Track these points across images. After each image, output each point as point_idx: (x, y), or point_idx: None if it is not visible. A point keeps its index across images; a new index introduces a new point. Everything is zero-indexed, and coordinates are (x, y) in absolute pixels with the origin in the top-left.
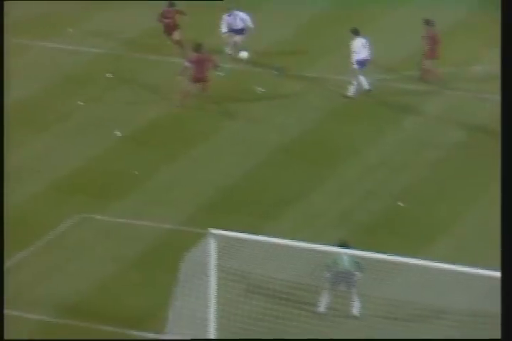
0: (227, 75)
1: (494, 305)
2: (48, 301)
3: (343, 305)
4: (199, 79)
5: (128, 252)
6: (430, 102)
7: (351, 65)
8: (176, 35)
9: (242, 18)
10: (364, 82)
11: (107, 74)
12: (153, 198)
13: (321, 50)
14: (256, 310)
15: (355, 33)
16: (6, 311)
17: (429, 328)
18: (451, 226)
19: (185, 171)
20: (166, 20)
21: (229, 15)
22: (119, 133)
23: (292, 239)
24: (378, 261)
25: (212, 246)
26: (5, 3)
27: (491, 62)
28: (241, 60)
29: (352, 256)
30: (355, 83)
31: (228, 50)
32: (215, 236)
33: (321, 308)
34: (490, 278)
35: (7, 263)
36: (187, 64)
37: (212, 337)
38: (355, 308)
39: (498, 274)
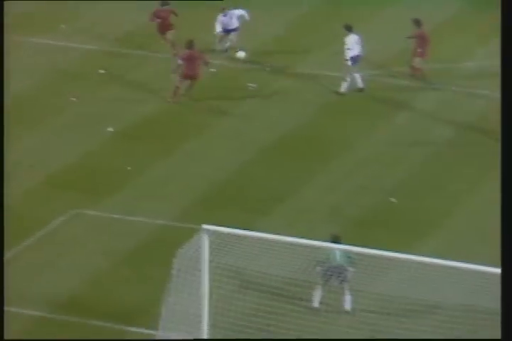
0: (219, 71)
1: (486, 300)
2: (41, 297)
3: (335, 300)
4: (190, 75)
5: (121, 248)
6: (422, 98)
7: (345, 61)
8: (170, 35)
9: (238, 15)
10: (359, 80)
11: (100, 71)
12: (145, 193)
13: (313, 46)
14: (249, 306)
15: (349, 29)
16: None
17: (422, 323)
18: (443, 221)
19: (177, 167)
20: (159, 20)
21: (224, 15)
22: (111, 129)
23: (285, 234)
24: (371, 256)
25: (205, 241)
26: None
27: (483, 59)
28: (238, 60)
29: (344, 251)
30: (348, 79)
31: (219, 46)
32: (208, 231)
33: (315, 303)
34: (482, 272)
35: None
36: (179, 61)
37: (205, 332)
38: (347, 303)
39: (489, 269)
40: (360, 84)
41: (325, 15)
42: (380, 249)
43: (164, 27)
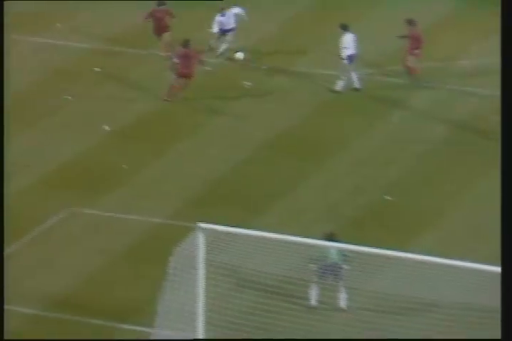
0: (215, 70)
1: (482, 298)
2: (37, 295)
3: (331, 298)
4: (185, 74)
5: (116, 246)
6: (417, 97)
7: (341, 60)
8: (166, 36)
9: (235, 14)
10: (355, 79)
11: (96, 69)
12: (141, 192)
13: (309, 45)
14: (245, 304)
15: (345, 28)
16: None
17: (417, 321)
18: (438, 219)
19: (173, 165)
20: (156, 21)
21: (222, 16)
22: (107, 128)
23: (280, 232)
24: (366, 254)
25: (200, 239)
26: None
27: (478, 57)
28: (236, 61)
29: (340, 249)
30: (343, 78)
31: (214, 44)
32: (204, 230)
33: (313, 302)
34: (477, 270)
35: None
36: (175, 59)
37: (201, 331)
38: (343, 301)
39: (485, 267)
40: (356, 84)
41: (319, 15)
42: (376, 247)
43: (160, 28)
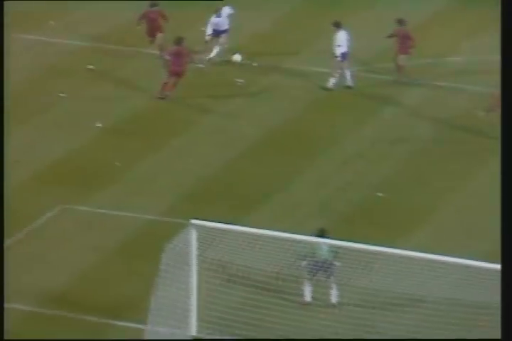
0: (207, 67)
1: (471, 294)
2: (30, 291)
3: (322, 294)
4: (176, 72)
5: (109, 243)
6: (408, 94)
7: (335, 57)
8: (159, 38)
9: (228, 14)
10: (348, 77)
11: (89, 66)
12: (134, 189)
13: (300, 42)
14: (237, 300)
15: (338, 25)
16: None
17: (406, 317)
18: (428, 216)
19: (166, 162)
20: (149, 22)
21: (217, 16)
22: (100, 125)
23: (273, 229)
24: (357, 250)
25: (193, 236)
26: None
27: (469, 54)
28: (234, 63)
29: (330, 246)
30: (336, 75)
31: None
32: (196, 226)
33: (307, 298)
34: (466, 266)
35: None
36: (166, 57)
37: (194, 327)
38: (334, 297)
39: (474, 263)
40: (349, 81)
41: (310, 13)
42: (367, 243)
43: (153, 29)
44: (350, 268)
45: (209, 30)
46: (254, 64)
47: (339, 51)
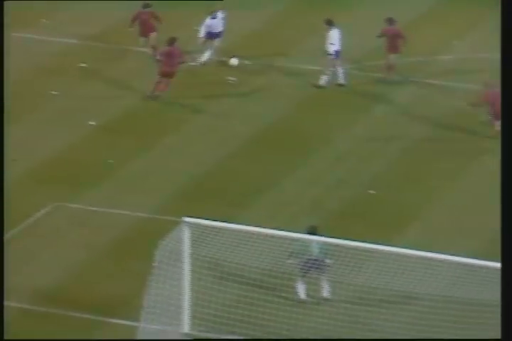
0: (200, 66)
1: (464, 291)
2: (23, 289)
3: (314, 291)
4: (166, 72)
5: (102, 240)
6: (400, 93)
7: (327, 55)
8: (152, 39)
9: (223, 16)
10: (340, 75)
11: (81, 64)
12: (126, 186)
13: (292, 40)
14: (230, 298)
15: (330, 23)
16: None
17: (401, 314)
18: (421, 213)
19: (158, 160)
20: (141, 23)
21: (213, 18)
22: (92, 123)
23: (266, 227)
24: (350, 248)
25: (186, 234)
26: None
27: (460, 52)
28: (230, 66)
29: (322, 243)
30: (328, 73)
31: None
32: (189, 224)
33: (302, 295)
34: (460, 264)
35: None
36: (158, 57)
37: (186, 324)
38: (326, 292)
39: (467, 260)
40: (341, 79)
41: (302, 11)
42: (360, 240)
43: (146, 30)
44: (342, 265)
45: (202, 32)
46: (247, 62)
47: (332, 49)
